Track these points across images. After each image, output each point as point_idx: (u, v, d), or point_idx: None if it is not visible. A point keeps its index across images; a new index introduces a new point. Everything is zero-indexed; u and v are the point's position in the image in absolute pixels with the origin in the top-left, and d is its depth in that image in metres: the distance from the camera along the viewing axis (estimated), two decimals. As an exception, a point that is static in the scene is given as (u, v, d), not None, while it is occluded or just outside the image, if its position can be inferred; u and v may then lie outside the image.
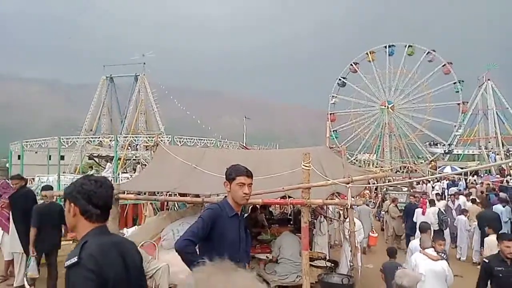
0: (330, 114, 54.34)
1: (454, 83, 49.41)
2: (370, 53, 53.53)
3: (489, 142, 52.00)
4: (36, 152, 28.45)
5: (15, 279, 6.57)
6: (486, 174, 41.41)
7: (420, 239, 5.41)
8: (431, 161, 49.29)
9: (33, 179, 17.78)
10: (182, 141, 17.96)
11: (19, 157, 26.03)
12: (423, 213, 9.72)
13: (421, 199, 10.82)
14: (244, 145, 27.10)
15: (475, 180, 27.70)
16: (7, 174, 35.54)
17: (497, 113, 52.30)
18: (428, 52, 50.85)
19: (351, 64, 54.31)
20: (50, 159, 23.92)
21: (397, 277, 3.50)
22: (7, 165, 47.79)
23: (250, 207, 8.90)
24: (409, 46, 52.10)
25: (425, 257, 4.79)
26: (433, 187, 22.84)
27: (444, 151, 51.43)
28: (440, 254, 5.06)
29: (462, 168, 40.81)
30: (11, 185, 6.91)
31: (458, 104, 49.31)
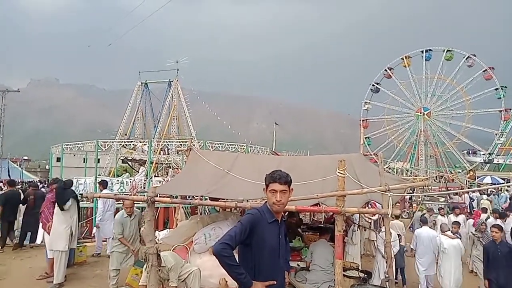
0: (363, 120, 53.26)
1: (496, 89, 47.15)
2: (406, 58, 52.12)
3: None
4: (74, 155, 29.70)
5: (55, 277, 6.83)
6: (530, 186, 38.96)
7: (440, 225, 7.99)
8: (469, 170, 47.07)
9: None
10: (214, 146, 18.15)
11: (58, 159, 27.29)
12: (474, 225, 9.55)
13: (474, 211, 10.53)
14: (274, 151, 27.06)
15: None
16: (47, 176, 37.42)
17: (542, 121, 49.31)
18: (468, 57, 48.84)
19: (386, 70, 53.06)
20: (86, 161, 24.89)
21: None
22: (47, 166, 50.34)
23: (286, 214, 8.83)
24: (447, 50, 50.24)
25: (446, 237, 7.19)
26: (470, 198, 21.79)
27: (484, 160, 48.99)
28: (456, 235, 7.34)
29: (503, 179, 38.72)
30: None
31: (500, 111, 46.95)
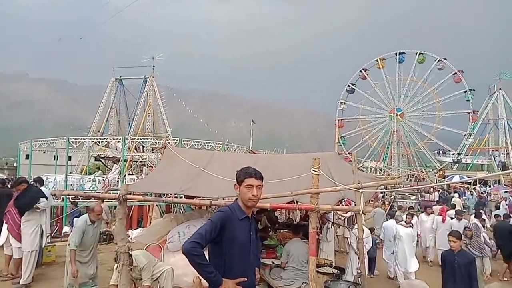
0: (338, 120, 54.17)
1: (465, 91, 49.03)
2: (380, 59, 53.38)
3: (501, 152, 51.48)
4: (44, 152, 28.68)
5: (22, 277, 6.59)
6: (496, 185, 40.90)
7: (396, 216, 8.69)
8: (439, 169, 48.81)
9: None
10: (190, 144, 17.95)
11: (27, 156, 26.25)
12: (443, 221, 9.88)
13: (441, 208, 10.91)
14: (251, 149, 27.07)
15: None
16: (15, 173, 35.93)
17: (508, 123, 51.77)
18: (439, 60, 50.56)
19: (361, 71, 54.17)
20: (57, 159, 24.07)
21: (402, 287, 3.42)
22: (15, 164, 48.36)
23: (256, 211, 8.84)
24: (420, 53, 51.82)
25: (401, 226, 8.19)
26: (440, 196, 22.59)
27: (453, 160, 50.95)
28: (409, 224, 8.49)
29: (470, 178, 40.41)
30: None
31: (468, 113, 48.88)
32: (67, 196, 12.85)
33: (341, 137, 52.82)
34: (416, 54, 52.08)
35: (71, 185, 15.65)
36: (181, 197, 6.71)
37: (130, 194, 5.37)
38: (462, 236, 7.61)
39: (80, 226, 5.81)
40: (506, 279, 8.88)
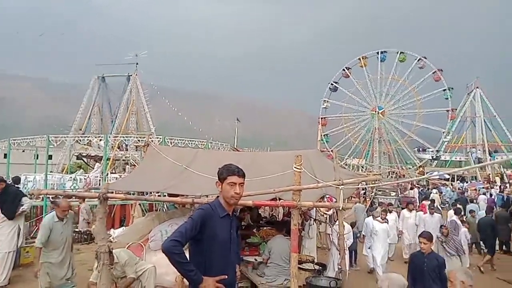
0: (322, 118, 54.63)
1: (444, 90, 50.10)
2: (363, 58, 54.01)
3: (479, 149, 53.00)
4: (23, 151, 27.99)
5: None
6: (473, 181, 42.16)
7: (373, 213, 9.12)
8: (419, 166, 49.90)
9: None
10: (173, 142, 17.83)
11: (5, 155, 25.55)
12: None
13: (421, 204, 11.12)
14: (235, 147, 27.07)
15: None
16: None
17: (484, 121, 53.34)
18: (419, 59, 51.50)
19: (344, 69, 54.72)
20: (37, 158, 23.52)
21: (379, 281, 3.52)
22: (-7, 163, 46.90)
23: (239, 209, 8.87)
24: (400, 52, 52.67)
25: (377, 222, 8.45)
26: (419, 193, 23.14)
27: (432, 157, 52.14)
28: (384, 220, 8.63)
29: (449, 175, 41.52)
30: None
31: (447, 110, 50.00)
32: (47, 196, 12.59)
33: (324, 135, 53.34)
34: (397, 53, 52.91)
35: (51, 184, 15.35)
36: (165, 196, 6.70)
37: (112, 192, 5.33)
38: (439, 234, 7.81)
39: (46, 223, 5.53)
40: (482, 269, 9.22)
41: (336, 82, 55.12)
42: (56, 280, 5.47)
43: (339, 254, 5.83)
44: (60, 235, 5.52)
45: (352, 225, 8.95)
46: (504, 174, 35.78)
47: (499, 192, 22.17)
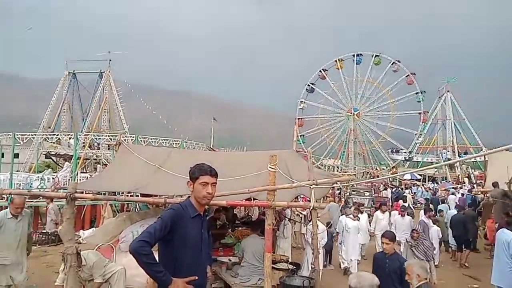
0: (298, 119, 55.11)
1: (416, 93, 51.70)
2: (339, 60, 54.89)
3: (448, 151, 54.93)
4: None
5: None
6: (443, 181, 43.70)
7: (345, 210, 9.72)
8: (392, 167, 51.24)
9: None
10: (147, 141, 17.49)
11: (-32, 153, 24.31)
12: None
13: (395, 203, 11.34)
14: (212, 147, 26.88)
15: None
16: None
17: (454, 124, 55.35)
18: (394, 63, 52.86)
19: (320, 71, 55.43)
20: (2, 156, 22.50)
21: (350, 278, 3.50)
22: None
23: (215, 209, 8.78)
24: (376, 55, 53.89)
25: (350, 219, 8.90)
26: (392, 193, 23.74)
27: (405, 158, 53.66)
28: (356, 217, 9.05)
29: (420, 175, 42.85)
30: None
31: (420, 113, 51.61)
32: (11, 195, 12.04)
33: (300, 136, 53.82)
34: (373, 56, 54.13)
35: (17, 183, 14.73)
36: (137, 196, 6.52)
37: (80, 192, 5.13)
38: (409, 238, 7.72)
39: None
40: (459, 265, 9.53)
41: (312, 84, 55.76)
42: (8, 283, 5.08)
43: (313, 253, 5.85)
44: (13, 233, 5.16)
45: (328, 225, 9.06)
46: (472, 174, 37.26)
47: (468, 192, 23.03)
